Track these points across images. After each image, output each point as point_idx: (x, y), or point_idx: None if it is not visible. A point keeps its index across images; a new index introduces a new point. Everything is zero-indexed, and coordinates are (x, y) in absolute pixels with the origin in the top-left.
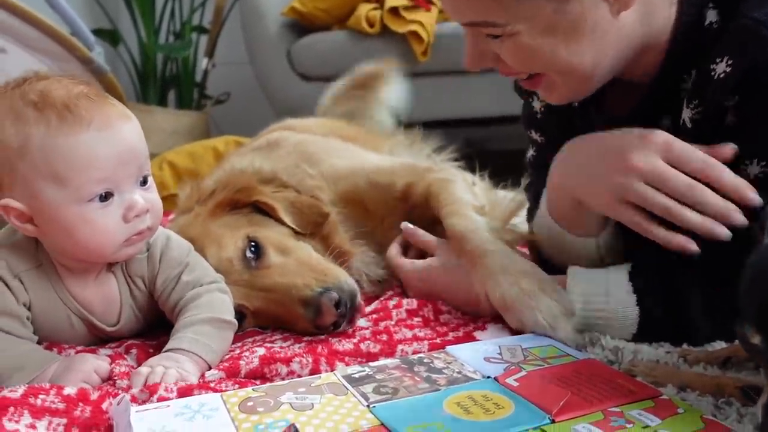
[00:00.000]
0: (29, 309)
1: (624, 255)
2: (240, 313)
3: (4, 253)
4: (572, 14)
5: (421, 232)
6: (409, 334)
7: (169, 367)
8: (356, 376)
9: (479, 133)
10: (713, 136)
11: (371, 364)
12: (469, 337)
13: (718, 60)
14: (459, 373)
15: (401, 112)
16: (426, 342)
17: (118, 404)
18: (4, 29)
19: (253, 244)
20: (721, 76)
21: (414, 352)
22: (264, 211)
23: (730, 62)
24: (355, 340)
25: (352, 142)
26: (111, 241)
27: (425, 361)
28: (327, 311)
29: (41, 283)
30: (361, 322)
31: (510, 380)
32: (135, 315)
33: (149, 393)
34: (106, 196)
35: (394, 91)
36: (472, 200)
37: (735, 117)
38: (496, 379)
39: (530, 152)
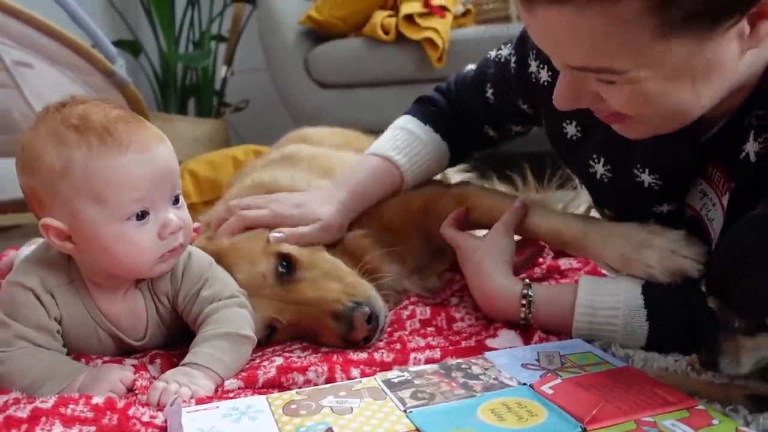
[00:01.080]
0: (60, 323)
1: None
2: (272, 327)
3: (38, 269)
4: (706, 56)
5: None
6: (422, 342)
7: (183, 384)
8: (396, 380)
9: None
10: None
11: (410, 368)
12: (480, 345)
13: None
14: (495, 379)
15: None
16: (438, 350)
17: (171, 405)
18: (29, 44)
19: (284, 258)
20: None
21: (427, 360)
22: None
23: None
24: (369, 350)
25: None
26: (147, 257)
27: (463, 366)
28: (360, 326)
29: (72, 298)
30: None
31: (545, 387)
32: (160, 329)
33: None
34: (142, 215)
35: None
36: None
37: None
38: (531, 386)
39: (489, 92)
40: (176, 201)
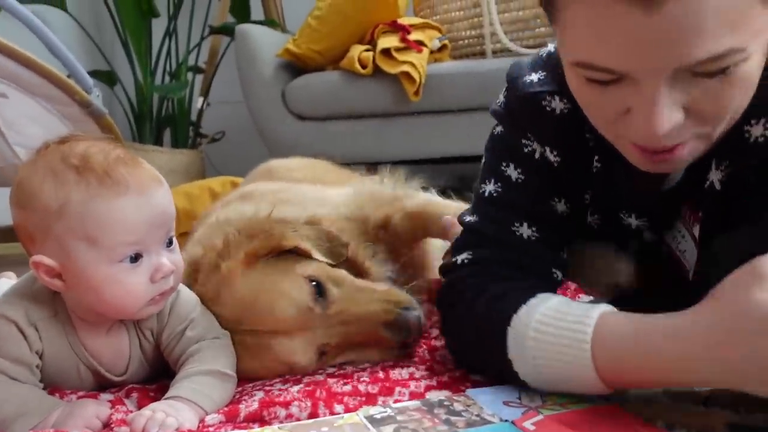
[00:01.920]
0: (41, 357)
1: None
2: (322, 352)
3: (24, 302)
4: None
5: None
6: (405, 374)
7: (169, 414)
8: (378, 416)
9: (471, 169)
10: (740, 197)
11: (392, 405)
12: (464, 377)
13: (753, 122)
14: (478, 416)
15: None
16: (423, 382)
17: None
18: (4, 74)
19: (313, 283)
20: (760, 140)
21: (411, 395)
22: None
23: None
24: (353, 381)
25: (331, 181)
26: (137, 300)
27: (445, 403)
28: (416, 329)
29: (55, 332)
30: None
31: (527, 424)
32: (142, 365)
33: None
34: (135, 258)
35: None
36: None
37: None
38: (513, 422)
39: (491, 187)
40: (170, 243)
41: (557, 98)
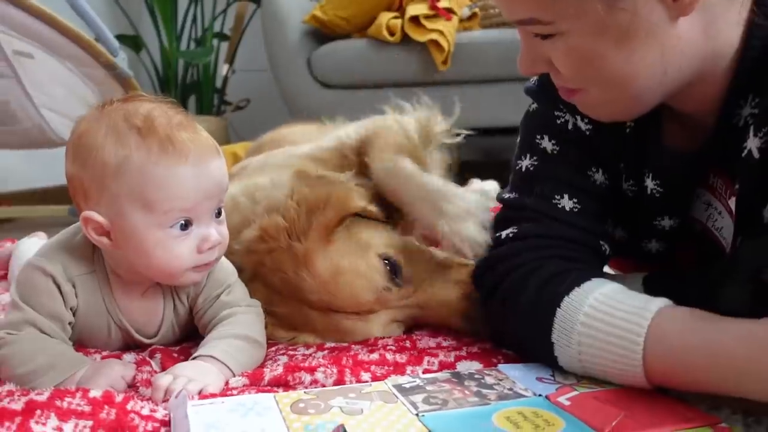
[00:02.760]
0: (74, 313)
1: None
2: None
3: (62, 257)
4: (624, 14)
5: None
6: (432, 342)
7: (192, 378)
8: (407, 386)
9: (500, 142)
10: None
11: (422, 375)
12: (494, 348)
13: None
14: (510, 389)
15: None
16: (453, 353)
17: (176, 398)
18: (31, 35)
19: (386, 261)
20: None
21: (440, 365)
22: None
23: None
24: (378, 348)
25: None
26: (181, 267)
27: (476, 376)
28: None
29: (91, 289)
30: None
31: (562, 399)
32: (173, 329)
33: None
34: (186, 225)
35: None
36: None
37: None
38: (547, 397)
39: (527, 162)
40: (219, 214)
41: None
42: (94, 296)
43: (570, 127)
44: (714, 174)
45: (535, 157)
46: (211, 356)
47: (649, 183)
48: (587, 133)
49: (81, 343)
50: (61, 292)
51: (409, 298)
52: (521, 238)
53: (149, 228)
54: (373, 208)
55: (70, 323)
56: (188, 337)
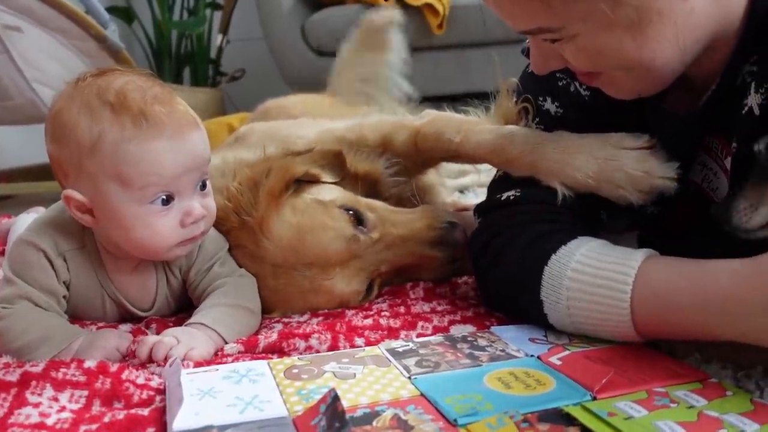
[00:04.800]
0: (67, 288)
1: None
2: (370, 285)
3: (52, 231)
4: (630, 8)
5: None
6: (426, 307)
7: (180, 341)
8: (400, 350)
9: None
10: None
11: (415, 339)
12: (488, 312)
13: None
14: (502, 351)
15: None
16: (447, 317)
17: (170, 366)
18: (19, 8)
19: (349, 211)
20: None
21: (434, 329)
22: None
23: None
24: (371, 313)
25: (336, 116)
26: (164, 242)
27: (469, 339)
28: (461, 240)
29: (83, 263)
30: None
31: (553, 359)
32: (168, 302)
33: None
34: (167, 200)
35: (400, 52)
36: (475, 120)
37: None
38: (539, 357)
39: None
40: (203, 187)
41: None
42: (86, 271)
43: (572, 89)
44: (711, 137)
45: (537, 119)
46: (201, 323)
47: None
48: (586, 98)
49: (77, 317)
50: (53, 267)
51: (379, 242)
52: (521, 202)
53: (128, 204)
54: (316, 170)
55: (64, 297)
56: (184, 309)
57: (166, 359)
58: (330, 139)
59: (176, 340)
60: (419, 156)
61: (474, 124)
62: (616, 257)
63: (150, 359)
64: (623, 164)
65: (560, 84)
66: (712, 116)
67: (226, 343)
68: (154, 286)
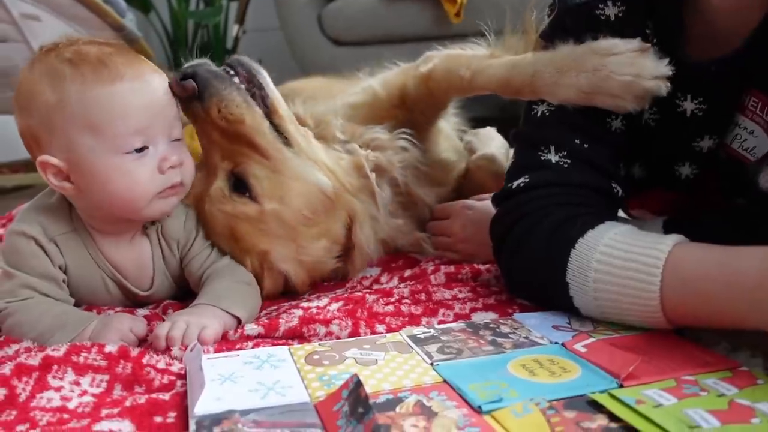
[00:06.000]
0: (65, 272)
1: None
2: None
3: (39, 218)
4: None
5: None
6: (448, 294)
7: (189, 322)
8: (421, 336)
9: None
10: None
11: (436, 326)
12: (511, 300)
13: None
14: (526, 338)
15: None
16: (468, 304)
17: (191, 351)
18: None
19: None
20: None
21: (456, 316)
22: None
23: None
24: (393, 300)
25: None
26: (145, 192)
27: (491, 326)
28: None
29: (76, 246)
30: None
31: (578, 346)
32: (167, 280)
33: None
34: (141, 149)
35: None
36: (482, 54)
37: None
38: (563, 344)
39: (542, 108)
40: (177, 141)
41: (610, 4)
42: (80, 254)
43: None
44: (748, 95)
45: (546, 102)
46: (205, 303)
47: (689, 105)
48: None
49: (88, 303)
50: (45, 252)
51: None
52: (532, 187)
53: (103, 155)
54: None
55: (64, 281)
56: (192, 294)
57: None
58: (342, 109)
59: (185, 324)
60: (433, 99)
61: (482, 59)
62: (645, 242)
63: (168, 348)
64: (611, 71)
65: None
66: (751, 66)
67: (234, 316)
68: (149, 262)
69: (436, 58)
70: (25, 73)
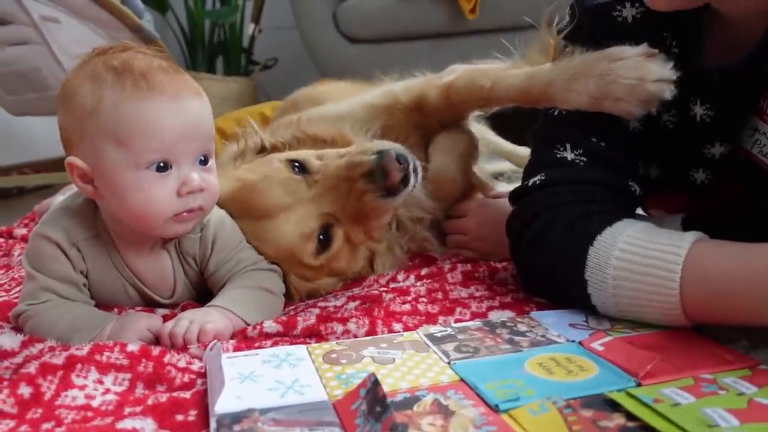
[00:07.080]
0: (86, 277)
1: None
2: (326, 228)
3: (64, 221)
4: None
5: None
6: (464, 293)
7: (193, 320)
8: (438, 335)
9: None
10: None
11: (453, 324)
12: (527, 298)
13: None
14: (543, 336)
15: None
16: (485, 302)
17: (210, 350)
18: (57, 0)
19: (296, 164)
20: None
21: (473, 314)
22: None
23: None
24: (410, 298)
25: None
26: (159, 212)
27: (508, 324)
28: (392, 167)
29: (98, 252)
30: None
31: (595, 344)
32: (189, 289)
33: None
34: (164, 167)
35: None
36: (502, 66)
37: None
38: (580, 343)
39: None
40: (205, 162)
41: (628, 5)
42: (102, 259)
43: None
44: (764, 98)
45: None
46: (215, 305)
47: (698, 110)
48: None
49: (108, 305)
50: (67, 257)
51: (319, 184)
52: (548, 184)
53: (125, 168)
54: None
55: (84, 284)
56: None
57: (204, 344)
58: (360, 109)
59: (188, 321)
60: (453, 109)
61: (502, 70)
62: (665, 239)
63: (185, 346)
64: (617, 76)
65: None
66: (762, 73)
67: (244, 321)
68: (171, 273)
69: (459, 69)
70: (72, 72)
